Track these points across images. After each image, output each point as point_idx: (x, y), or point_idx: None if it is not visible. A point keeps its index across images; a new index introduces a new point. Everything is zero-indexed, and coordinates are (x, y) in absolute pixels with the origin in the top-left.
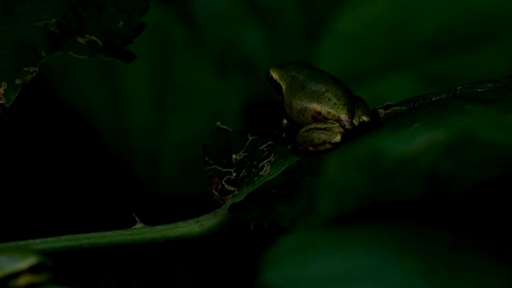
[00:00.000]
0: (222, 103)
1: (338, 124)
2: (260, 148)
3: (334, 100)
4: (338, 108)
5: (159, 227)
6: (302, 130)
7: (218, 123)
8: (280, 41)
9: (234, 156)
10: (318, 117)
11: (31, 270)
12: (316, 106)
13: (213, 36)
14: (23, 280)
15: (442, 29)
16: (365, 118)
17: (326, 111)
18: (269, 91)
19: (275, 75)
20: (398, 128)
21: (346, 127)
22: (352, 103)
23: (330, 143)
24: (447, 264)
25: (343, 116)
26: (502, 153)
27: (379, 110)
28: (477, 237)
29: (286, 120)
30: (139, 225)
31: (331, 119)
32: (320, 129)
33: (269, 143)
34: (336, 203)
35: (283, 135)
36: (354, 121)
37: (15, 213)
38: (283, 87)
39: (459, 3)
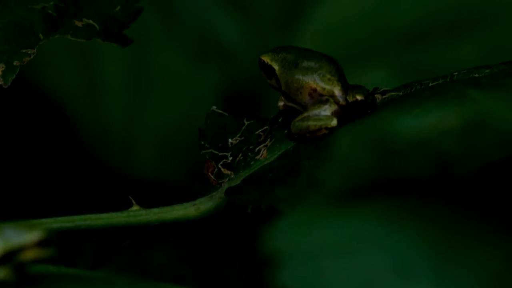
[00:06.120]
0: (199, 90)
1: (332, 100)
2: (256, 132)
3: (328, 76)
4: (332, 84)
5: (155, 210)
6: (297, 119)
7: (214, 107)
8: (258, 29)
9: (230, 140)
10: (314, 94)
11: (38, 244)
12: (311, 83)
13: (190, 24)
14: (30, 254)
15: (421, 19)
16: (358, 97)
17: (321, 87)
18: (246, 78)
19: (266, 59)
20: (401, 111)
21: (340, 102)
22: (345, 80)
23: (326, 128)
24: (454, 235)
25: (337, 92)
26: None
27: (376, 96)
28: (483, 212)
29: (284, 99)
30: (135, 207)
31: (325, 95)
32: (315, 115)
33: (265, 127)
34: (344, 181)
35: (279, 120)
36: (348, 98)
37: None
38: (276, 68)
39: None
